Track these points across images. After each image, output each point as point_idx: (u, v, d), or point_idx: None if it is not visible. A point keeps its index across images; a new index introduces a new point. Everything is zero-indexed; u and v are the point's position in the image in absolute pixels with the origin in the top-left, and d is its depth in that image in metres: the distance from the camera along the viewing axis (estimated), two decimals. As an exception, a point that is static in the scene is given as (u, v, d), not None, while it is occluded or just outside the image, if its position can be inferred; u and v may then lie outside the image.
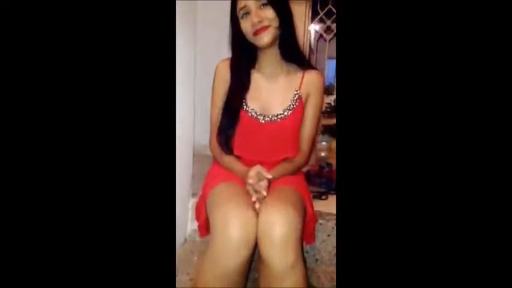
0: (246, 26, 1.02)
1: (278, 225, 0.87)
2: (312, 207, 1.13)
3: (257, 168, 1.02)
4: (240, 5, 1.01)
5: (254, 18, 0.99)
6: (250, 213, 0.91)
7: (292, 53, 1.09)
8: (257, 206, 0.95)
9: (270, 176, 1.01)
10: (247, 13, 1.01)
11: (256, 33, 1.01)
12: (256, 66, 1.12)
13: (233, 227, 0.88)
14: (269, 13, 1.00)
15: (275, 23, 1.01)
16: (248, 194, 0.99)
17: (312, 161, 1.59)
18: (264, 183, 1.00)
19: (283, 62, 1.10)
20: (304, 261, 0.95)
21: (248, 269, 0.95)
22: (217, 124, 1.12)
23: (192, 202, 1.33)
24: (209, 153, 1.21)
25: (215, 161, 1.19)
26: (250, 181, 0.99)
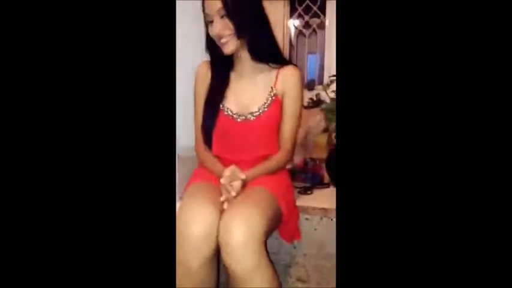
0: (211, 32, 1.03)
1: (236, 232, 0.87)
2: (292, 205, 1.14)
3: (232, 168, 1.03)
4: (205, 10, 1.02)
5: (215, 28, 1.01)
6: (212, 209, 0.92)
7: (263, 56, 1.09)
8: (225, 206, 0.96)
9: (243, 177, 1.02)
10: (212, 21, 1.01)
11: (220, 42, 1.03)
12: (233, 67, 1.13)
13: (191, 224, 0.89)
14: (229, 24, 1.00)
15: (235, 33, 1.01)
16: (219, 194, 0.99)
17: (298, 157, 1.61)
18: (237, 183, 1.00)
19: (256, 63, 1.11)
20: (271, 262, 0.96)
21: (215, 267, 0.96)
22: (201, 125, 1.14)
23: (179, 205, 1.32)
24: (193, 154, 1.21)
25: (200, 163, 1.20)
26: (223, 181, 1.00)
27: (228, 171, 1.02)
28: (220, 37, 1.01)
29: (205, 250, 0.90)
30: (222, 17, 0.99)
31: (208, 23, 1.03)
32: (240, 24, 1.00)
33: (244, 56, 1.09)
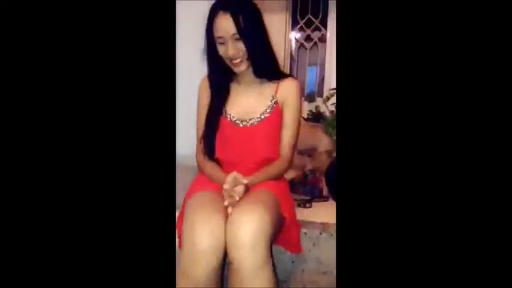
0: (222, 52, 1.08)
1: (245, 227, 0.89)
2: (293, 213, 1.15)
3: (233, 174, 1.04)
4: (217, 33, 1.06)
5: (230, 51, 1.06)
6: (219, 219, 0.93)
7: (264, 73, 1.16)
8: (229, 210, 0.97)
9: (245, 182, 1.04)
10: (224, 43, 1.07)
11: (232, 63, 1.09)
12: (233, 78, 1.19)
13: (200, 235, 0.90)
14: (242, 46, 1.06)
15: (246, 55, 1.08)
16: (222, 201, 1.00)
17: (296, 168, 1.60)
18: (240, 188, 1.02)
19: (257, 78, 1.17)
20: (273, 262, 0.96)
21: (221, 275, 0.96)
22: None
23: (177, 215, 1.31)
24: (192, 163, 1.22)
25: (201, 172, 1.22)
26: (226, 186, 1.01)
27: (230, 177, 1.04)
28: (234, 59, 1.08)
29: (213, 261, 0.91)
30: (236, 40, 1.05)
31: (218, 44, 1.08)
32: (251, 47, 1.07)
33: (247, 72, 1.15)
